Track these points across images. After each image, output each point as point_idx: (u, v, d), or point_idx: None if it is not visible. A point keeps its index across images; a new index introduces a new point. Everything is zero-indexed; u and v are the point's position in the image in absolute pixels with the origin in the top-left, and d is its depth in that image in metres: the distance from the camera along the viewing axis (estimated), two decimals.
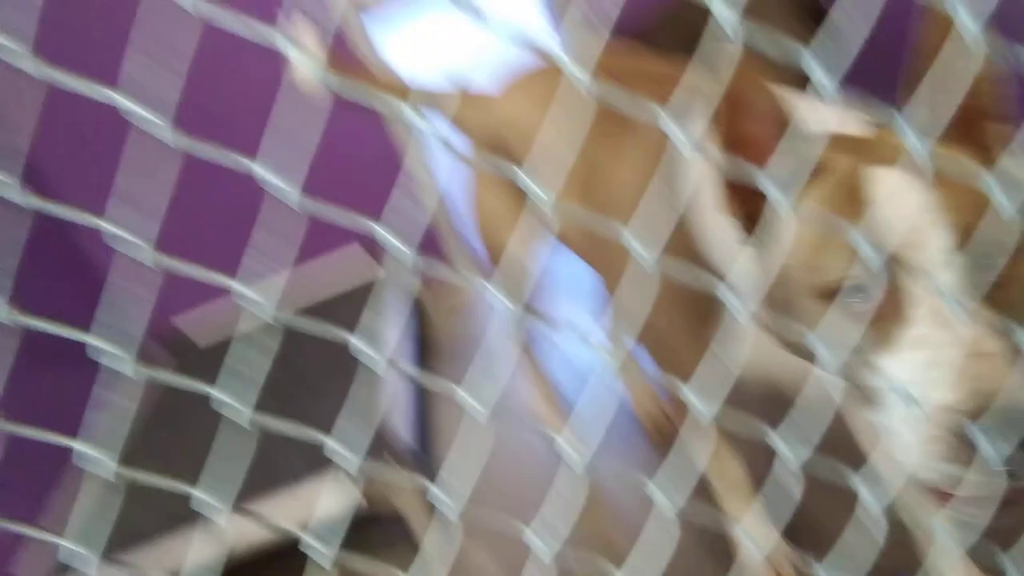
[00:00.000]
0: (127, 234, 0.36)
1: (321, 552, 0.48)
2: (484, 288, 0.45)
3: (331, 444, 0.46)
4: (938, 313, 0.65)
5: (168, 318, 2.65)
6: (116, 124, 2.43)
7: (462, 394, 0.46)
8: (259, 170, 0.36)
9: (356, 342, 0.43)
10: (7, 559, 1.86)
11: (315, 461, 1.67)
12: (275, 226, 2.66)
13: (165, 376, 0.44)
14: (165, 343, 2.65)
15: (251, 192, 2.57)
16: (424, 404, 2.14)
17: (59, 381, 2.21)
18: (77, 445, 0.41)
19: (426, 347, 2.56)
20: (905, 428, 0.65)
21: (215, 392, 0.44)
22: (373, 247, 2.66)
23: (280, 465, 1.71)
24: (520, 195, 1.42)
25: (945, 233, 0.66)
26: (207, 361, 2.53)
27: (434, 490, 0.48)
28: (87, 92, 0.34)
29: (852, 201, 0.71)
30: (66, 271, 2.45)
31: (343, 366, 2.10)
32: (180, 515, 1.70)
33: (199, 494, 0.45)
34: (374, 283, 2.61)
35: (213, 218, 2.57)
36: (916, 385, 0.64)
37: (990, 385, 0.60)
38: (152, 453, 1.98)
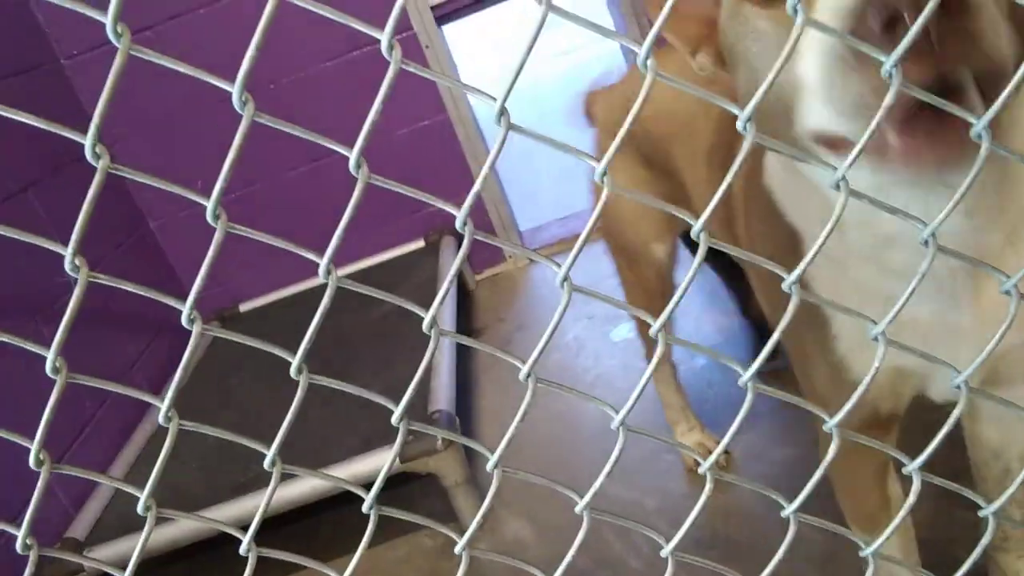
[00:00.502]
0: (192, 194, 0.39)
1: (365, 499, 0.50)
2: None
3: (375, 398, 0.49)
4: None
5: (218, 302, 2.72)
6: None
7: (504, 354, 0.48)
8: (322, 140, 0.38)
9: (405, 304, 0.45)
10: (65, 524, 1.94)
11: (353, 437, 1.71)
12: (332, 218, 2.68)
13: (218, 331, 0.46)
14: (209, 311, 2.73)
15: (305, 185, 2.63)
16: (464, 376, 2.18)
17: (110, 343, 2.28)
18: (147, 396, 0.44)
19: (464, 318, 2.60)
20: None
21: (266, 346, 0.47)
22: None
23: (324, 439, 1.75)
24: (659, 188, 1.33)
25: None
26: (248, 324, 2.59)
27: (471, 443, 0.51)
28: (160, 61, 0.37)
29: None
30: (126, 241, 2.52)
31: (381, 335, 2.14)
32: (214, 483, 1.76)
33: (259, 447, 0.48)
34: (415, 251, 2.66)
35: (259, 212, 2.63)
36: None
37: None
38: (195, 416, 2.04)
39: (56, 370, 0.39)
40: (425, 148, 2.64)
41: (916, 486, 0.55)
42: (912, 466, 0.55)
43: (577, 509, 0.51)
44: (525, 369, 0.48)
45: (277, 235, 0.41)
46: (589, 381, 2.07)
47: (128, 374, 2.37)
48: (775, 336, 0.49)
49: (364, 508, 0.51)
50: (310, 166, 2.64)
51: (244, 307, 2.72)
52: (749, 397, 0.50)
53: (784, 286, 0.49)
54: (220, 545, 1.71)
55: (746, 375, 0.50)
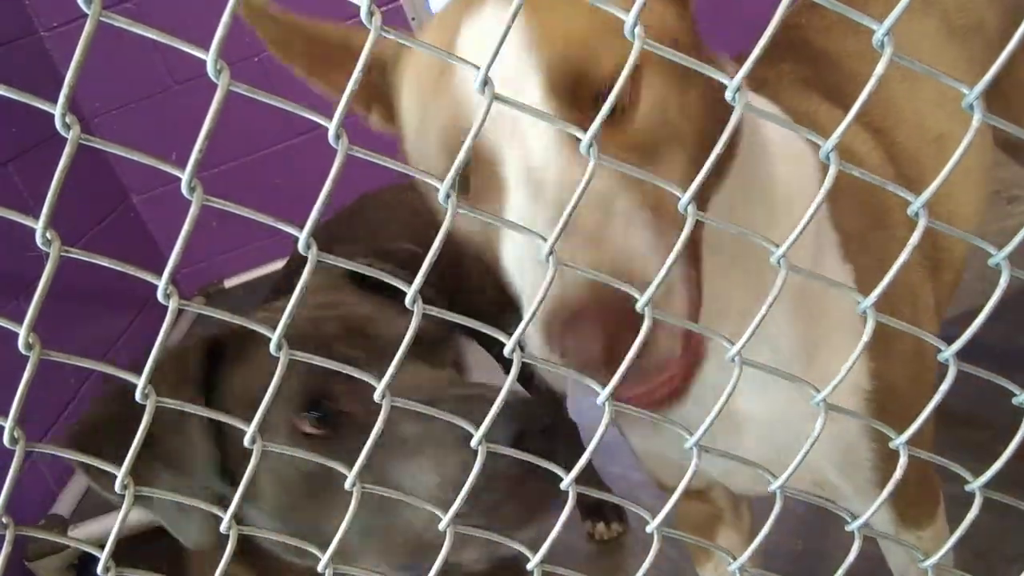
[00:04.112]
0: (167, 166, 0.38)
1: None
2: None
3: (349, 371, 0.48)
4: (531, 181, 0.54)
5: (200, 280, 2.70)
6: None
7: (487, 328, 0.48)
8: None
9: (388, 278, 0.45)
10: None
11: None
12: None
13: (198, 307, 0.45)
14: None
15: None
16: None
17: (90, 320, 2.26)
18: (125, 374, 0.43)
19: None
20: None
21: (248, 323, 0.46)
22: None
23: None
24: None
25: (537, 79, 0.55)
26: (234, 300, 2.57)
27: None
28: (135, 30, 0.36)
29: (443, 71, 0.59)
30: (105, 214, 2.49)
31: None
32: None
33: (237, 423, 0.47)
34: None
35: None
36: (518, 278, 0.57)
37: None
38: None
39: (29, 346, 0.38)
40: None
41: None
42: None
43: (563, 485, 0.51)
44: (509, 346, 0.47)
45: (262, 210, 0.40)
46: None
47: (112, 350, 2.35)
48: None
49: None
50: (297, 139, 2.61)
51: (229, 282, 2.69)
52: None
53: None
54: None
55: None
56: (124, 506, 0.44)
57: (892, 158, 0.89)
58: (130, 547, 1.68)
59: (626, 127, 0.56)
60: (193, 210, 0.37)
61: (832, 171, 0.42)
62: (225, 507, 0.49)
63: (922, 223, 0.45)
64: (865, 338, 0.47)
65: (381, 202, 1.46)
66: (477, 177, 0.59)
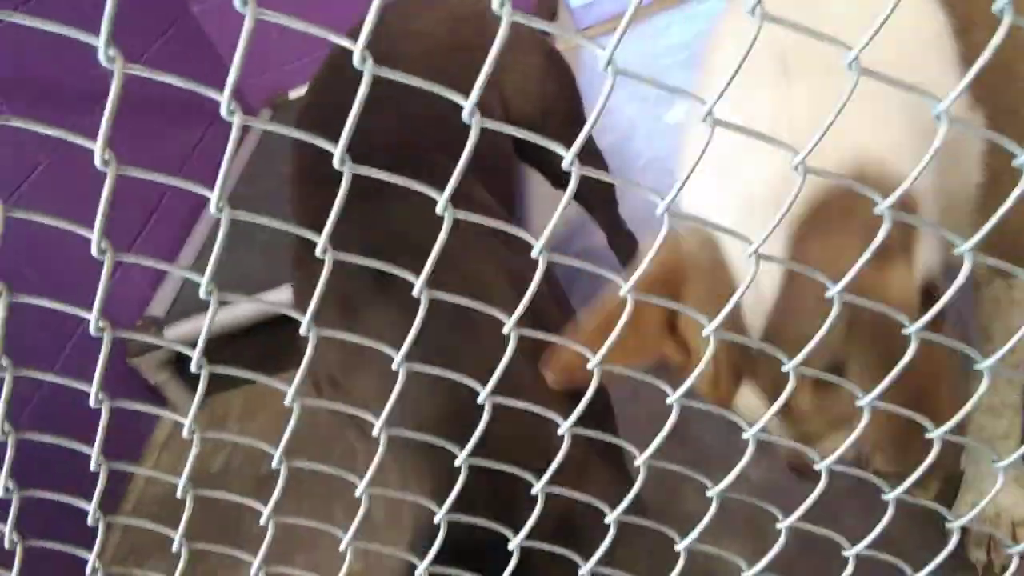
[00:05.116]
0: None
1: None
2: None
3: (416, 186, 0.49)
4: None
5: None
6: None
7: (544, 140, 0.47)
8: None
9: (444, 91, 0.44)
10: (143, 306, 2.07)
11: None
12: None
13: (256, 122, 0.46)
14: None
15: None
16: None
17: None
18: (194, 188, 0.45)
19: None
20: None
21: (306, 136, 0.47)
22: None
23: None
24: None
25: None
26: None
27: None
28: None
29: None
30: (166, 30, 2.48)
31: None
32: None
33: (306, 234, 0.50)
34: None
35: None
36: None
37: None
38: (253, 204, 2.09)
39: (105, 163, 0.40)
40: None
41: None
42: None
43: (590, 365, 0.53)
44: (568, 157, 0.47)
45: (319, 16, 0.39)
46: (640, 166, 2.05)
47: (188, 162, 2.41)
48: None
49: (415, 291, 0.53)
50: None
51: (294, 94, 2.69)
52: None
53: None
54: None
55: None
56: (210, 311, 0.48)
57: None
58: (229, 344, 1.81)
59: None
60: (248, 24, 0.37)
61: None
62: None
63: None
64: None
65: None
66: None
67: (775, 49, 0.69)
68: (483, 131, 0.43)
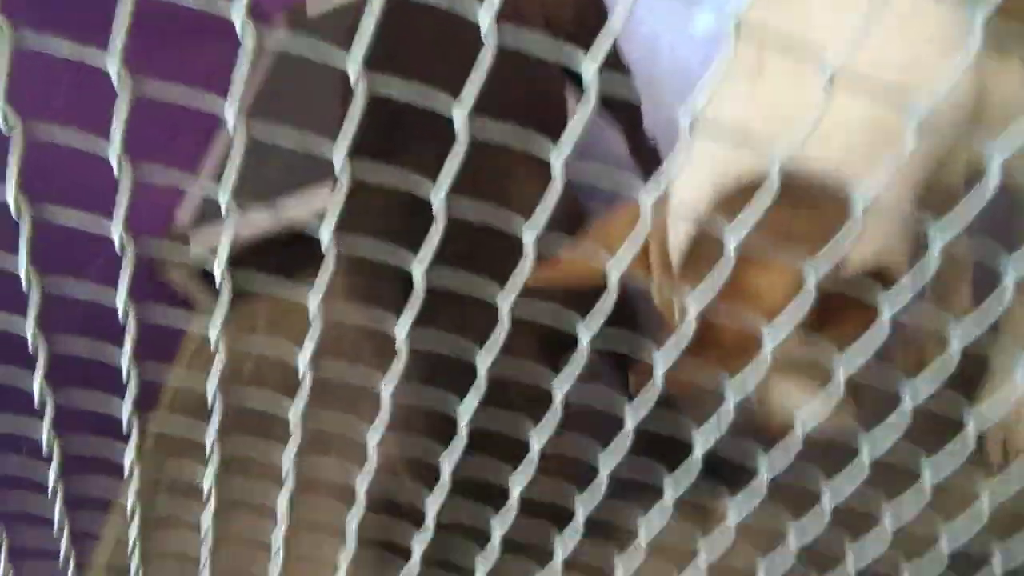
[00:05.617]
0: None
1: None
2: None
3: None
4: None
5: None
6: None
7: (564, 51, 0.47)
8: None
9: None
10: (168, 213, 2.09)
11: None
12: None
13: (280, 40, 0.46)
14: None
15: None
16: None
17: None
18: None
19: None
20: None
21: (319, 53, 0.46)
22: None
23: None
24: None
25: None
26: (318, 31, 2.52)
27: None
28: None
29: None
30: None
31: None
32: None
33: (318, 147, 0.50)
34: None
35: None
36: None
37: None
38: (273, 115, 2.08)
39: (120, 78, 0.40)
40: None
41: None
42: None
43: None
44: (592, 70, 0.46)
45: None
46: (664, 77, 2.00)
47: (216, 75, 2.38)
48: None
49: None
50: None
51: (312, 10, 2.61)
52: None
53: None
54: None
55: None
56: (227, 223, 0.49)
57: None
58: (254, 253, 1.84)
59: None
60: None
61: None
62: None
63: None
64: None
65: None
66: None
67: None
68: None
